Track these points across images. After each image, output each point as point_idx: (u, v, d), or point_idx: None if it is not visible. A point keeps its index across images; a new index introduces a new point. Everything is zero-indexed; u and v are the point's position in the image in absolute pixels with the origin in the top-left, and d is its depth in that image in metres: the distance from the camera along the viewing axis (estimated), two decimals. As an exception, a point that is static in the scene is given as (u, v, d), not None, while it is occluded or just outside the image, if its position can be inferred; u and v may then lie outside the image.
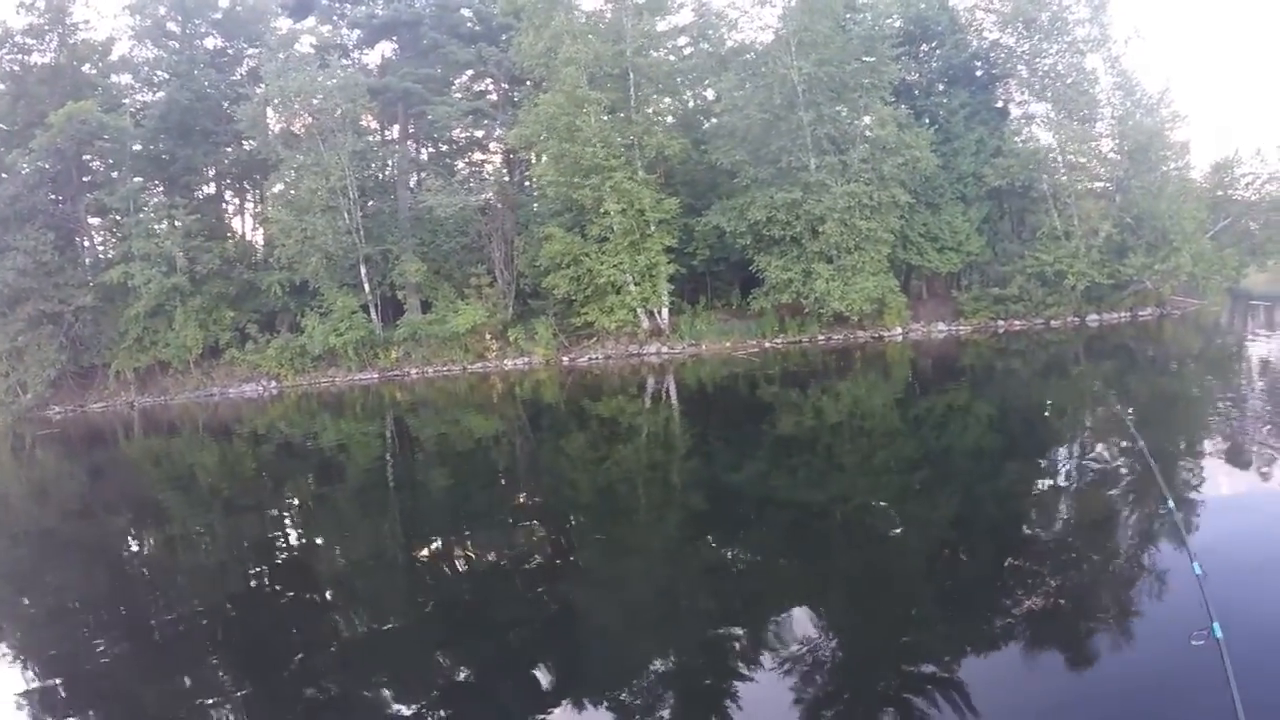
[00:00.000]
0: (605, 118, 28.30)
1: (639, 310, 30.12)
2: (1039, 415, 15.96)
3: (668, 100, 32.86)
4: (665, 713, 5.96)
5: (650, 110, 31.01)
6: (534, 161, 33.42)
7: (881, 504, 10.56)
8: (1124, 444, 9.99)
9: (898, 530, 9.29)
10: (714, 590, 8.20)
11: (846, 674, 6.12)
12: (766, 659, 6.33)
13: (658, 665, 6.79)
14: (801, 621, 6.93)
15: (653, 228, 28.99)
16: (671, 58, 32.00)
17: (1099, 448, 11.37)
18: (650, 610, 7.92)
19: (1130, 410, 12.67)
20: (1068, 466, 10.71)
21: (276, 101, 32.31)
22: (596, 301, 29.70)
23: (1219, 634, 4.36)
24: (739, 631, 7.15)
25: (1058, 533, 7.94)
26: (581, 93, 27.31)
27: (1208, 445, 10.46)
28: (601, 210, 28.29)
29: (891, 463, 12.94)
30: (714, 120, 34.59)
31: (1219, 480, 8.19)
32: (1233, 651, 4.27)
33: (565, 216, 30.42)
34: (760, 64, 28.36)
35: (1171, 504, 6.35)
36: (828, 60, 27.27)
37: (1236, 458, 9.44)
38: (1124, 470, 8.89)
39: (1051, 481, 9.80)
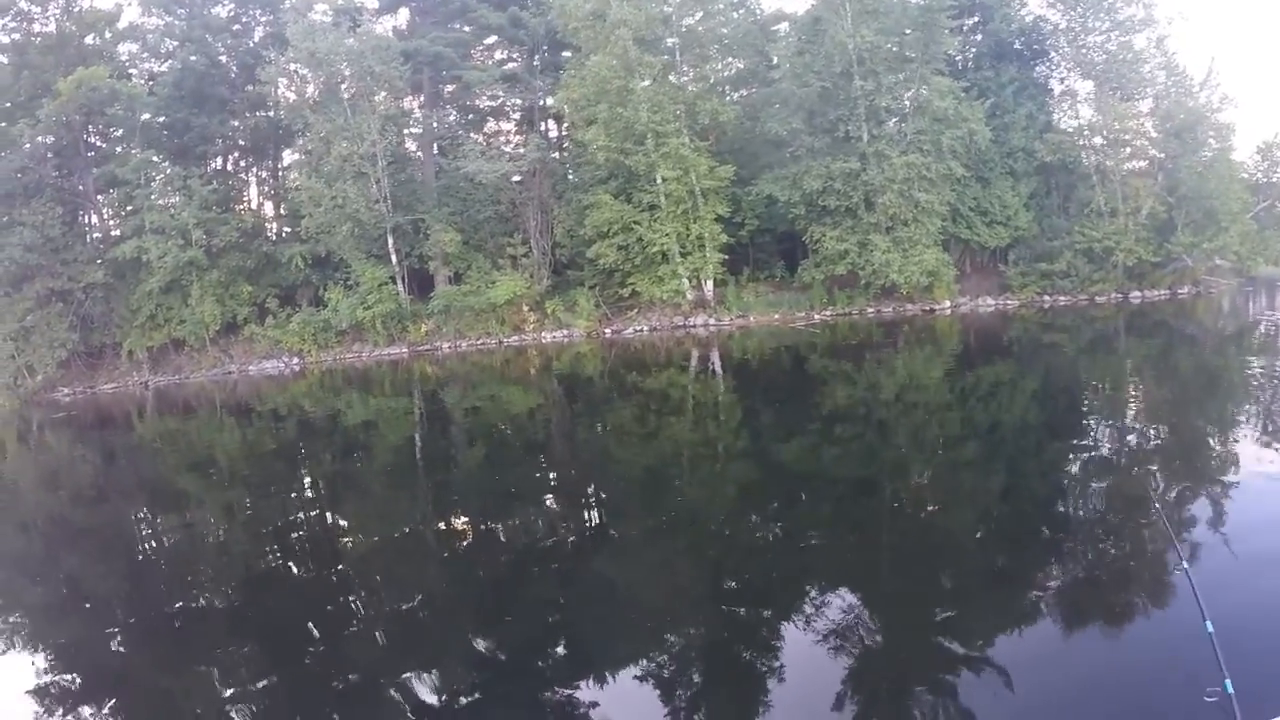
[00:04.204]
0: (656, 82, 27.51)
1: (686, 280, 29.35)
2: (1096, 409, 14.94)
3: (716, 66, 32.03)
4: (701, 684, 6.11)
5: (696, 74, 30.21)
6: (569, 129, 32.56)
7: (924, 482, 10.69)
8: (1140, 489, 8.86)
9: (932, 508, 9.48)
10: (753, 564, 8.32)
11: (873, 651, 6.27)
12: (802, 633, 6.49)
13: (693, 637, 6.90)
14: (839, 596, 7.05)
15: (704, 196, 28.21)
16: (711, 22, 31.10)
17: (1113, 488, 9.75)
18: (687, 585, 7.98)
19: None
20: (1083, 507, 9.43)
21: (294, 69, 31.11)
22: (646, 271, 28.93)
23: (1230, 689, 4.46)
24: (775, 606, 7.24)
25: (1073, 576, 7.34)
26: (634, 55, 26.46)
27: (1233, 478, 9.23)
28: (655, 177, 27.44)
29: (944, 441, 12.77)
30: (743, 91, 34.02)
31: (1236, 530, 7.47)
32: (1243, 708, 4.39)
33: (611, 184, 29.52)
34: (816, 29, 27.70)
35: (1185, 563, 6.17)
36: (887, 30, 26.76)
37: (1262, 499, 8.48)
38: (1138, 521, 8.09)
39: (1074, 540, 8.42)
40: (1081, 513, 8.95)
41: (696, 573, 8.27)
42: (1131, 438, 11.96)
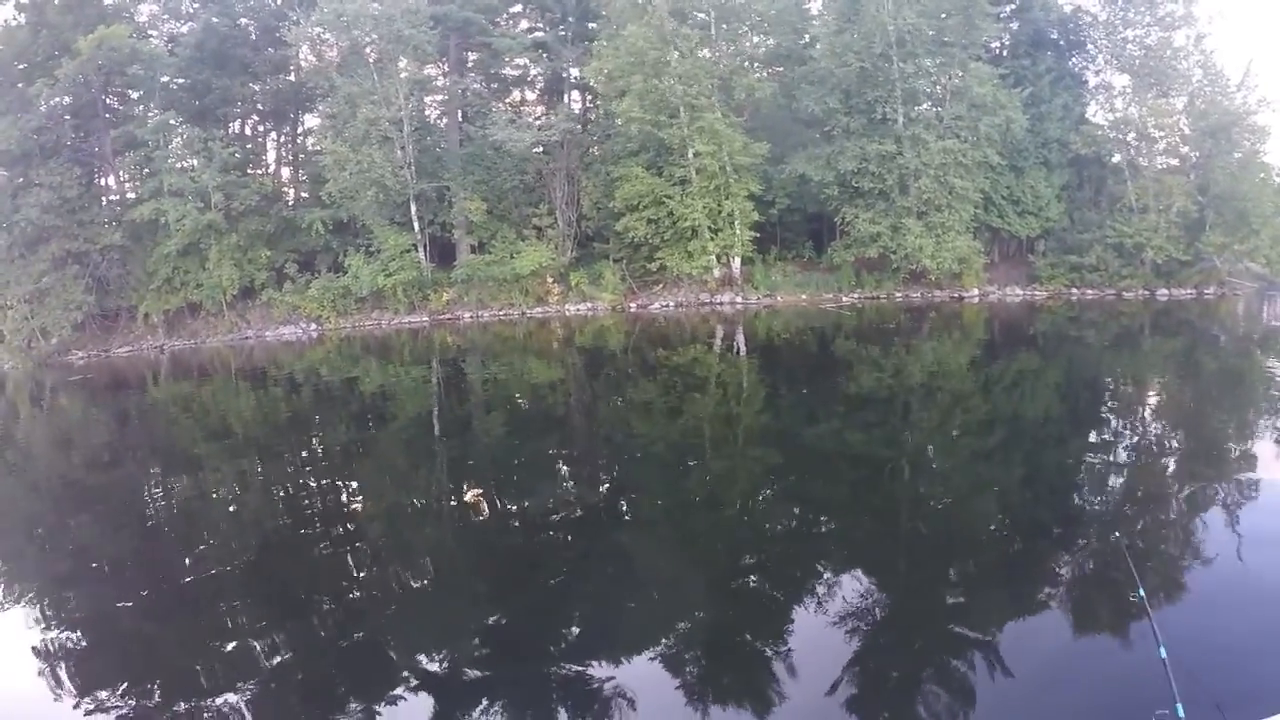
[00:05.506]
0: (688, 55, 27.16)
1: (715, 257, 29.13)
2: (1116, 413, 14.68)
3: (750, 42, 31.64)
4: (711, 661, 6.23)
5: (730, 50, 29.84)
6: (597, 100, 32.23)
7: (924, 475, 10.95)
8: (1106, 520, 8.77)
9: (924, 503, 9.68)
10: (767, 544, 8.54)
11: (852, 636, 6.44)
12: (807, 613, 6.77)
13: (705, 615, 7.03)
14: (849, 579, 7.30)
15: (736, 172, 27.95)
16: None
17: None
18: (701, 562, 8.13)
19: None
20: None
21: (318, 31, 30.64)
22: (676, 246, 28.65)
23: (1181, 714, 4.57)
24: (786, 586, 7.47)
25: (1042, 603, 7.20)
26: (670, 27, 26.10)
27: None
28: (687, 151, 27.10)
29: (958, 433, 12.94)
30: (774, 69, 33.63)
31: (1196, 557, 7.57)
32: None
33: (642, 156, 29.18)
34: (856, 8, 27.35)
35: (1141, 588, 6.21)
36: (928, 12, 26.50)
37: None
38: (1100, 543, 8.09)
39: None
40: (1053, 529, 8.86)
41: (710, 551, 8.34)
42: (1141, 442, 12.01)
